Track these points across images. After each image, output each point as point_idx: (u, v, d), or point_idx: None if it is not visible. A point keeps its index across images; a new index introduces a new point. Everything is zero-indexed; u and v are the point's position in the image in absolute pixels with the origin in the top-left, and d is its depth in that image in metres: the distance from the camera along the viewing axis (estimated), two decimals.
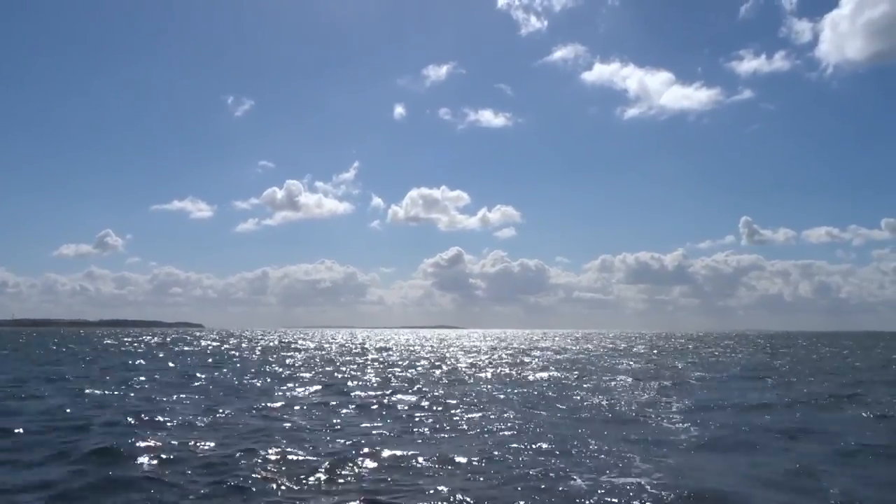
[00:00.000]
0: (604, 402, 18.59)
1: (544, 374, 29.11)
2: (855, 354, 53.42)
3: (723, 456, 11.81)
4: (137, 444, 11.80)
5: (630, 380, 26.35)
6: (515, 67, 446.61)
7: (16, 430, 13.34)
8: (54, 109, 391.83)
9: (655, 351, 59.06)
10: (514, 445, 12.24)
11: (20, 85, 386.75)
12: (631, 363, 39.14)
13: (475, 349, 62.42)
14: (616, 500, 8.81)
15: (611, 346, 74.73)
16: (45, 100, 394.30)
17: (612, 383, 24.94)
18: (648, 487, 9.33)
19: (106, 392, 20.69)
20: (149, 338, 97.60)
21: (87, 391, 20.86)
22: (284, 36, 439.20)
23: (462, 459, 11.11)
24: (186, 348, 59.56)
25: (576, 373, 30.50)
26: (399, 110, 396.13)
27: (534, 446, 12.18)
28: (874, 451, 12.19)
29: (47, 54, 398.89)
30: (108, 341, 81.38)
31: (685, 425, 14.79)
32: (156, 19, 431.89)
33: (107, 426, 13.80)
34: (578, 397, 20.03)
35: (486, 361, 40.26)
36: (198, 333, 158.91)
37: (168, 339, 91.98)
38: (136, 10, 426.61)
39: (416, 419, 15.59)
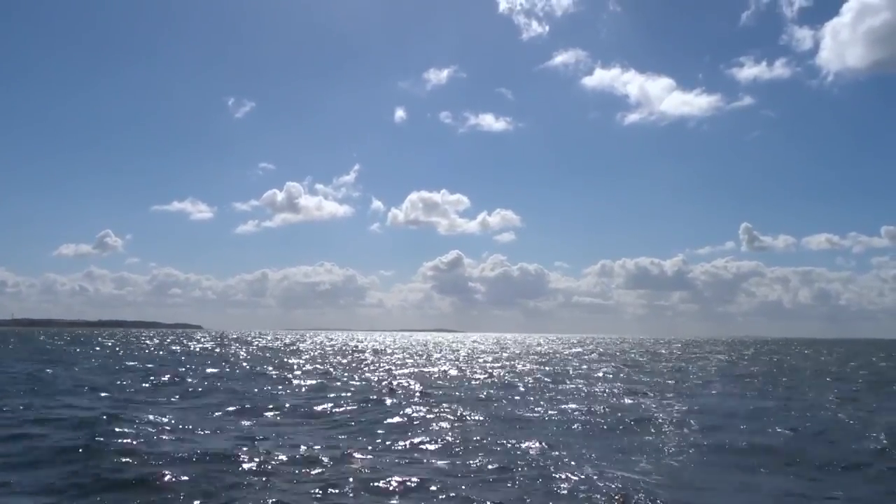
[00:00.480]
0: (593, 406, 18.84)
1: (538, 377, 29.41)
2: (843, 361, 53.82)
3: (709, 458, 12.09)
4: (136, 441, 12.07)
5: (619, 385, 26.65)
6: (516, 72, 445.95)
7: (19, 428, 13.65)
8: (54, 109, 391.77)
9: (650, 356, 59.37)
10: (507, 443, 12.51)
11: (20, 85, 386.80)
12: (623, 367, 39.44)
13: (473, 351, 62.67)
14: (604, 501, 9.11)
15: (607, 350, 75.03)
16: (45, 100, 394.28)
17: (603, 387, 25.24)
18: (638, 491, 9.52)
19: (103, 391, 20.90)
20: (148, 340, 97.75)
21: (85, 390, 21.12)
22: (286, 38, 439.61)
23: (458, 458, 11.39)
24: (185, 349, 59.80)
25: (569, 377, 30.81)
26: (400, 113, 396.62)
27: (522, 447, 12.44)
28: (862, 451, 12.54)
29: (47, 54, 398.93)
30: (107, 341, 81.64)
31: (673, 428, 15.08)
32: (156, 19, 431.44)
33: (105, 423, 13.94)
34: (567, 401, 20.29)
35: (482, 364, 40.56)
36: (197, 335, 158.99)
37: (167, 340, 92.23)
38: (136, 11, 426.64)
39: (414, 418, 15.83)
